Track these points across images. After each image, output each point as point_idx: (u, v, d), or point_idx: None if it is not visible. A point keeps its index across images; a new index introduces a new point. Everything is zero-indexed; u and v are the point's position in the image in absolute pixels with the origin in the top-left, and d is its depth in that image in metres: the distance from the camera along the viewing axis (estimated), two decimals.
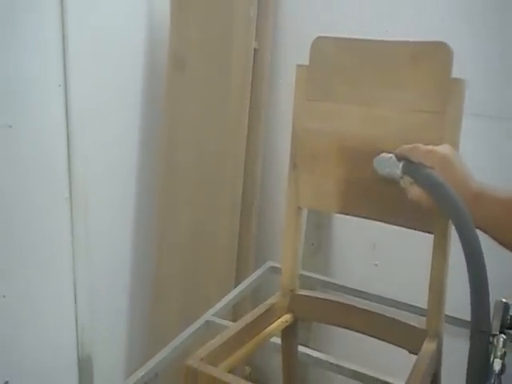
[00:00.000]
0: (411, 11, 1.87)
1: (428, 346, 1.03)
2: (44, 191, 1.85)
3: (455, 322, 1.56)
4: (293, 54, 2.12)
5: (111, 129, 2.11)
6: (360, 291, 1.78)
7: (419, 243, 1.78)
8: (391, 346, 1.20)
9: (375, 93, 1.11)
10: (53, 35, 1.81)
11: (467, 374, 0.74)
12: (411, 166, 0.94)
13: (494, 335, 0.74)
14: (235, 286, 2.03)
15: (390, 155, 0.99)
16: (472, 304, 0.74)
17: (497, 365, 0.73)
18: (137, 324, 2.34)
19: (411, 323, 1.09)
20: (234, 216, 2.12)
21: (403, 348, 1.09)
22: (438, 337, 1.05)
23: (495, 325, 0.75)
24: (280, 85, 2.18)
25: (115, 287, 2.26)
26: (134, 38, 2.18)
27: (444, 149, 0.94)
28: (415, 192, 0.93)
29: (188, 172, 2.19)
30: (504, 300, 0.78)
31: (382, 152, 1.02)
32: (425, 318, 1.09)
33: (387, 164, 0.99)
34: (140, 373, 1.51)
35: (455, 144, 1.04)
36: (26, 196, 1.77)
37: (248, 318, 1.11)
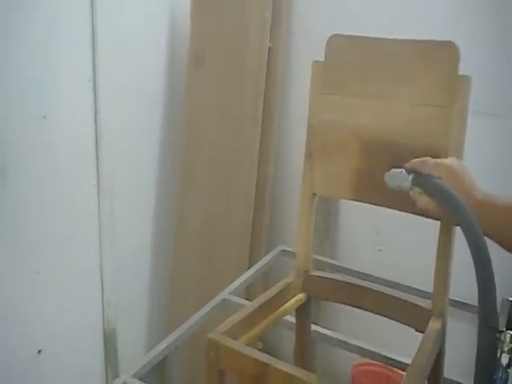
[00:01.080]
0: (415, 13, 1.85)
1: (434, 325, 1.02)
2: (74, 178, 1.85)
3: (455, 304, 1.55)
4: (304, 52, 2.11)
5: (135, 121, 2.11)
6: (365, 274, 1.78)
7: (420, 230, 1.78)
8: (396, 324, 1.20)
9: (386, 87, 1.10)
10: (83, 34, 1.81)
11: (476, 367, 0.73)
12: (421, 178, 0.94)
13: (501, 331, 0.74)
14: (248, 268, 2.03)
15: (400, 170, 0.99)
16: (480, 302, 0.73)
17: (504, 359, 0.73)
18: (158, 301, 2.34)
19: (417, 303, 1.08)
20: (248, 203, 2.12)
21: (410, 326, 1.08)
22: (442, 316, 1.04)
23: (502, 321, 0.75)
24: (292, 81, 2.16)
25: (138, 268, 2.26)
26: (157, 36, 2.17)
27: (451, 161, 0.94)
28: (424, 201, 0.93)
29: (206, 161, 2.18)
30: (510, 298, 0.77)
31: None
32: (426, 300, 1.08)
33: (397, 178, 0.99)
34: (161, 345, 1.52)
35: (461, 137, 1.03)
36: (58, 181, 1.77)
37: (265, 296, 1.10)
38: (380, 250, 2.07)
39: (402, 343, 1.44)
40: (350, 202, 1.63)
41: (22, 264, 1.68)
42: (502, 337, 0.73)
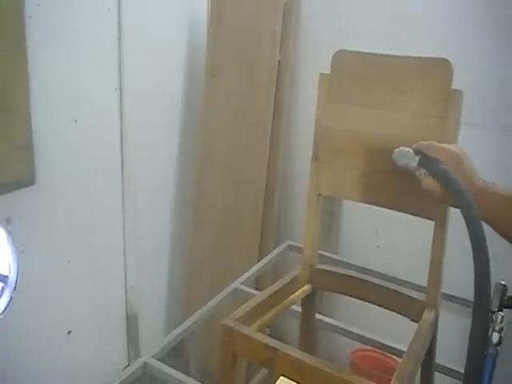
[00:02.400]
0: (413, 31, 1.85)
1: (427, 315, 1.02)
2: (100, 176, 1.86)
3: (445, 297, 1.55)
4: (310, 64, 2.11)
5: (157, 124, 2.12)
6: (365, 268, 1.77)
7: (416, 229, 1.78)
8: (391, 314, 1.20)
9: (387, 99, 1.10)
10: (111, 47, 1.82)
11: (469, 343, 0.73)
12: (427, 160, 0.93)
13: (494, 312, 0.74)
14: (258, 260, 2.03)
15: (408, 149, 0.98)
16: (475, 284, 0.73)
17: (495, 337, 0.73)
18: (176, 289, 2.35)
19: (413, 295, 1.08)
20: (258, 201, 2.12)
21: (405, 316, 1.08)
22: (435, 308, 1.04)
23: (495, 303, 0.75)
24: (299, 90, 2.17)
25: (158, 258, 2.27)
26: (178, 49, 2.18)
27: (456, 147, 0.93)
28: (429, 182, 0.92)
29: (220, 161, 2.19)
30: (503, 282, 0.77)
31: (401, 146, 1.00)
32: (420, 293, 1.08)
33: (406, 156, 0.98)
34: (179, 330, 1.52)
35: (454, 143, 1.03)
36: (86, 180, 1.78)
37: (274, 287, 1.11)
38: (378, 246, 2.07)
39: (398, 331, 1.44)
40: (352, 202, 1.64)
41: (56, 254, 1.69)
42: (494, 317, 0.73)
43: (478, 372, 0.73)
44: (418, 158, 0.95)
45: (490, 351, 0.73)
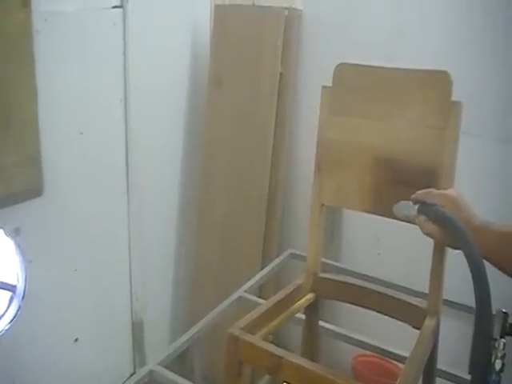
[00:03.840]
0: (412, 43, 1.85)
1: (429, 322, 1.02)
2: (106, 186, 1.87)
3: (446, 302, 1.55)
4: (311, 76, 2.12)
5: (162, 135, 2.12)
6: (366, 275, 1.77)
7: (416, 237, 1.78)
8: (393, 321, 1.19)
9: (387, 110, 1.11)
10: (117, 60, 1.83)
11: (472, 372, 0.74)
12: (425, 206, 0.95)
13: (496, 339, 0.74)
14: (261, 267, 2.03)
15: (407, 201, 1.00)
16: (477, 314, 0.74)
17: (498, 364, 0.73)
18: (181, 296, 2.35)
19: (414, 302, 1.08)
20: (260, 209, 2.12)
21: (407, 323, 1.08)
22: (437, 314, 1.04)
23: (496, 330, 0.75)
24: (301, 101, 2.17)
25: (163, 265, 2.27)
26: (181, 60, 2.18)
27: (452, 191, 0.95)
28: (429, 227, 0.94)
29: (224, 171, 2.19)
30: (504, 310, 0.78)
31: (400, 201, 1.02)
32: (421, 300, 1.08)
33: (404, 208, 1.00)
34: (185, 337, 1.52)
35: (454, 154, 1.03)
36: (92, 190, 1.79)
37: (278, 295, 1.11)
38: (379, 254, 2.07)
39: (399, 338, 1.44)
40: (353, 211, 1.63)
41: (63, 263, 1.70)
42: (496, 344, 0.74)
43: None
44: (416, 207, 0.97)
45: (493, 378, 0.73)
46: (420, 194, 0.97)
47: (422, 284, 1.46)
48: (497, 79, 1.71)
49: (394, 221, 1.15)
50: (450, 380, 1.37)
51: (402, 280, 1.72)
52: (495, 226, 0.88)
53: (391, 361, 1.92)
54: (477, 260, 0.77)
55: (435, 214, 0.91)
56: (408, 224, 1.12)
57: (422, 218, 0.94)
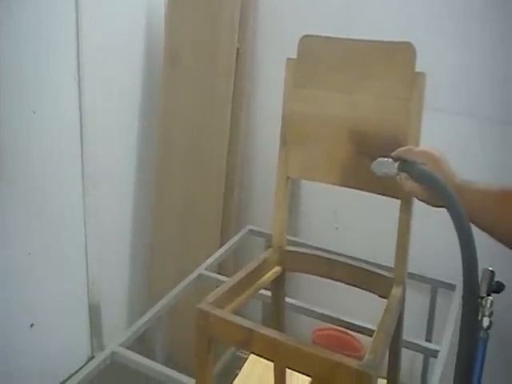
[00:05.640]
0: (374, 15, 1.85)
1: (396, 291, 1.03)
2: (60, 166, 1.79)
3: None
4: (270, 51, 2.09)
5: (116, 115, 2.05)
6: (325, 250, 1.77)
7: (373, 210, 1.81)
8: (354, 295, 1.20)
9: (353, 82, 1.09)
10: (69, 38, 1.76)
11: (460, 329, 0.74)
12: (407, 164, 0.92)
13: (483, 297, 0.75)
14: (220, 245, 2.01)
15: (386, 158, 0.97)
16: (464, 271, 0.74)
17: (485, 322, 0.74)
18: (139, 276, 2.30)
19: (381, 272, 1.09)
20: (218, 187, 2.10)
21: (374, 293, 1.08)
22: (403, 284, 1.05)
23: (483, 289, 0.76)
24: (259, 78, 2.14)
25: (119, 246, 2.21)
26: (135, 38, 2.11)
27: (433, 150, 0.93)
28: (410, 185, 0.92)
29: (180, 149, 2.14)
30: (490, 268, 0.78)
31: (379, 157, 0.98)
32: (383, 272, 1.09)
33: (384, 165, 0.97)
34: (146, 317, 1.49)
35: (419, 125, 1.04)
36: (47, 172, 1.71)
37: (245, 269, 1.08)
38: (337, 228, 2.08)
39: (359, 311, 1.47)
40: (310, 184, 1.61)
41: (16, 246, 1.62)
42: (484, 302, 0.74)
43: (471, 355, 0.74)
44: (397, 164, 0.94)
45: (481, 335, 0.74)
46: (400, 151, 0.95)
47: (381, 257, 1.49)
48: (460, 50, 1.73)
49: (352, 195, 1.15)
50: (412, 349, 1.40)
51: (360, 253, 1.74)
52: (477, 184, 0.88)
53: (350, 333, 1.95)
54: (463, 218, 0.77)
55: (418, 172, 0.89)
56: (365, 197, 1.12)
57: (403, 175, 0.92)
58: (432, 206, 0.92)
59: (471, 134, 1.80)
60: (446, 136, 1.74)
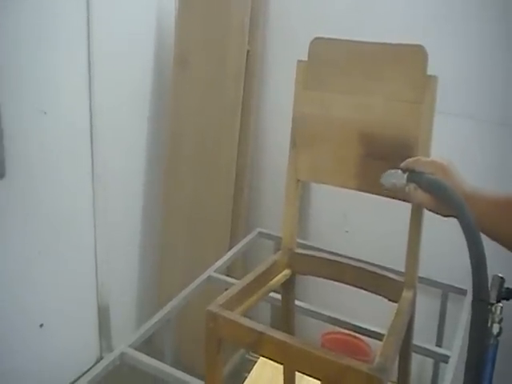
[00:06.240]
0: (384, 18, 1.84)
1: (406, 295, 1.02)
2: (70, 167, 1.80)
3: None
4: (281, 53, 2.09)
5: (126, 116, 2.06)
6: (335, 253, 1.77)
7: (383, 213, 1.80)
8: (364, 299, 1.19)
9: (363, 84, 1.09)
10: (80, 39, 1.78)
11: (470, 336, 0.73)
12: (416, 174, 0.92)
13: (493, 304, 0.74)
14: (229, 247, 2.01)
15: (395, 170, 0.96)
16: (473, 278, 0.73)
17: (495, 328, 0.74)
18: (148, 279, 2.31)
19: (392, 276, 1.08)
20: (228, 189, 2.10)
21: (384, 297, 1.08)
22: (413, 287, 1.04)
23: (493, 295, 0.75)
24: (269, 81, 2.14)
25: (129, 248, 2.22)
26: (145, 40, 2.12)
27: (442, 159, 0.92)
28: (420, 196, 0.91)
29: (190, 151, 2.15)
30: (500, 275, 0.78)
31: (388, 170, 0.98)
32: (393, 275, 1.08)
33: (393, 177, 0.96)
34: (155, 318, 1.49)
35: (430, 129, 1.03)
36: (56, 171, 1.72)
37: (255, 272, 1.08)
38: (347, 231, 2.07)
39: (369, 315, 1.46)
40: (319, 187, 1.60)
41: (26, 245, 1.64)
42: (494, 309, 0.74)
43: (480, 362, 0.73)
44: (405, 175, 0.94)
45: (491, 342, 0.73)
46: (409, 162, 0.95)
47: (391, 260, 1.48)
48: (474, 55, 1.71)
49: (362, 198, 1.15)
50: (422, 354, 1.39)
51: (371, 257, 1.73)
52: (487, 193, 0.87)
53: (360, 337, 1.94)
54: (472, 227, 0.76)
55: (427, 182, 0.88)
56: (376, 200, 1.11)
57: (412, 186, 0.92)
58: (442, 215, 0.91)
59: (470, 136, 1.79)
60: (446, 138, 1.73)
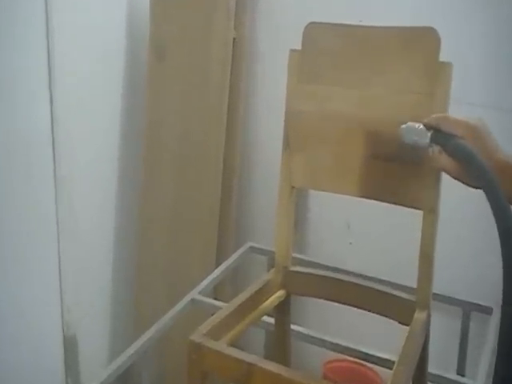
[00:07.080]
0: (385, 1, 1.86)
1: (419, 316, 1.03)
2: (30, 174, 1.79)
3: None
4: (271, 41, 2.10)
5: (96, 115, 2.04)
6: (338, 269, 1.77)
7: (391, 223, 1.81)
8: (368, 322, 1.19)
9: (366, 75, 1.10)
10: (38, 32, 1.75)
11: (499, 343, 0.72)
12: (441, 136, 0.90)
13: None
14: (216, 266, 2.00)
15: (418, 124, 0.94)
16: (504, 278, 0.71)
17: None
18: (122, 305, 2.28)
19: (401, 295, 1.08)
20: (214, 198, 2.09)
21: (393, 319, 1.08)
22: (427, 308, 1.05)
23: None
24: (258, 70, 2.15)
25: (100, 269, 2.20)
26: (116, 28, 2.11)
27: (474, 120, 0.90)
28: (443, 161, 0.90)
29: (169, 156, 2.14)
30: None
31: (404, 123, 0.96)
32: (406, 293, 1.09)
33: (415, 132, 0.94)
34: (130, 351, 1.48)
35: None
36: (14, 186, 1.71)
37: (246, 293, 1.09)
38: (351, 243, 2.08)
39: (376, 339, 1.46)
40: (319, 194, 1.60)
41: None
42: None
43: (510, 370, 0.72)
44: (429, 134, 0.91)
45: None
46: (435, 118, 0.92)
47: (402, 275, 1.48)
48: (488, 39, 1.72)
49: (368, 205, 1.15)
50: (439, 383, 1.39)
51: (378, 272, 1.74)
52: None
53: (367, 365, 1.94)
54: (503, 205, 0.73)
55: (454, 147, 0.86)
56: (383, 208, 1.11)
57: (436, 148, 0.90)
58: (468, 186, 0.89)
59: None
60: None
